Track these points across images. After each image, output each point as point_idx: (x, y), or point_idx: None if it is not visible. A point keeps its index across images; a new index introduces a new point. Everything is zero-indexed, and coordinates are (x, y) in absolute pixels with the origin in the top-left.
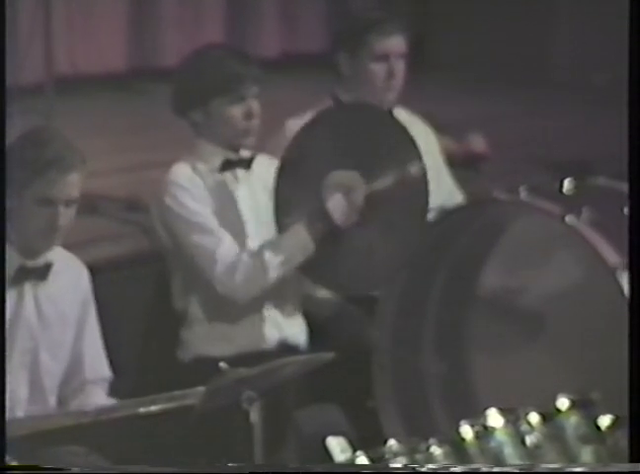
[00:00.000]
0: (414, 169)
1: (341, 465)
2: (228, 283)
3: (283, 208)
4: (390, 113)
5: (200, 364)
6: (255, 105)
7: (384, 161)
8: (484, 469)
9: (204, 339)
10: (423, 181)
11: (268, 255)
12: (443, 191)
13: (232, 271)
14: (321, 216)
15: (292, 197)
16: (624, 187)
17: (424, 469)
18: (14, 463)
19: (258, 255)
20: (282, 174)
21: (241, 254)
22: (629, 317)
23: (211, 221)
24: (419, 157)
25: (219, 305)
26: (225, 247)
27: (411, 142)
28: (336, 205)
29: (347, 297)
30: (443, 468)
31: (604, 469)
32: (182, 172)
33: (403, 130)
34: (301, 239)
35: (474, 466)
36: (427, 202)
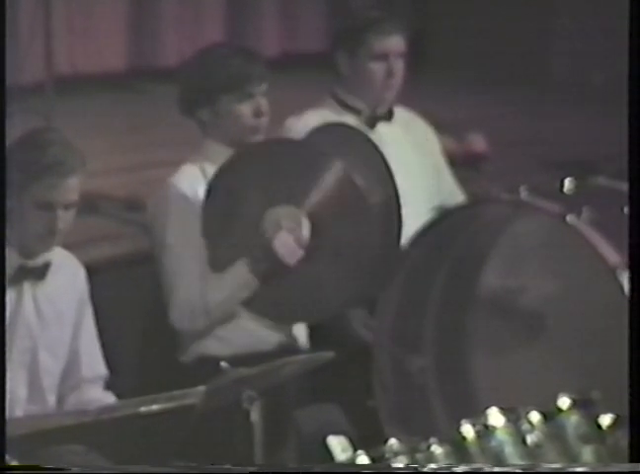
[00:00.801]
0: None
1: (341, 465)
2: (173, 314)
3: (215, 245)
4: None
5: (200, 365)
6: (264, 102)
7: (315, 186)
8: (485, 469)
9: (205, 339)
10: (390, 182)
11: (210, 290)
12: (444, 190)
13: (177, 303)
14: (265, 256)
15: (223, 233)
16: (625, 186)
17: (425, 469)
18: (14, 463)
19: (201, 289)
20: (208, 210)
21: (188, 289)
22: (629, 317)
23: (184, 242)
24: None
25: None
26: (179, 278)
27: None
28: (283, 244)
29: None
30: (444, 468)
31: (604, 469)
32: (187, 176)
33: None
34: (243, 278)
35: (475, 466)
36: (398, 226)
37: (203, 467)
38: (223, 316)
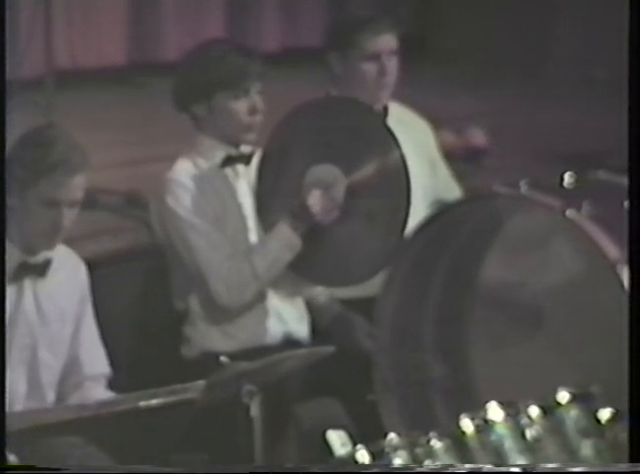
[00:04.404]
0: (393, 159)
1: (342, 464)
2: (219, 291)
3: (265, 205)
4: (368, 105)
5: (203, 360)
6: (259, 100)
7: (362, 153)
8: (485, 468)
9: (207, 335)
10: (403, 170)
11: (256, 259)
12: (440, 186)
13: (222, 278)
14: (302, 214)
15: (273, 193)
16: (625, 180)
17: (426, 469)
18: (13, 457)
19: (246, 260)
20: (263, 169)
21: (230, 260)
22: (629, 313)
23: (207, 223)
24: (397, 146)
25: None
26: (217, 252)
27: (388, 132)
28: (316, 202)
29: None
30: (444, 467)
31: (605, 469)
32: (183, 169)
33: (380, 121)
34: (287, 238)
35: (475, 465)
36: (408, 190)
37: (203, 467)
38: (272, 280)
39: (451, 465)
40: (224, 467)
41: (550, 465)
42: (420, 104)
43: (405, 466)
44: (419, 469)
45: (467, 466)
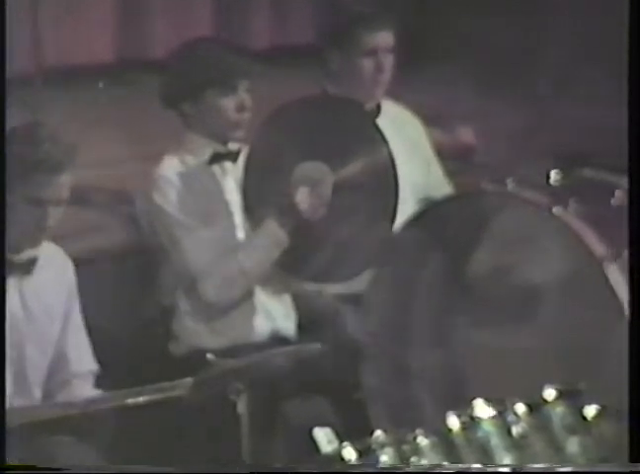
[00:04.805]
0: (381, 156)
1: (328, 461)
2: (206, 288)
3: (253, 202)
4: (358, 103)
5: (191, 358)
6: (247, 97)
7: (350, 150)
8: (475, 468)
9: (195, 332)
10: (391, 167)
11: (244, 256)
12: (432, 182)
13: (209, 275)
14: (290, 210)
15: (260, 190)
16: (611, 178)
17: (415, 469)
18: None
19: (234, 257)
20: (250, 166)
21: (217, 257)
22: (630, 314)
23: (195, 220)
24: (386, 144)
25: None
26: (204, 249)
27: (377, 130)
28: (304, 199)
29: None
30: (434, 467)
31: (605, 469)
32: (171, 166)
33: (369, 119)
34: (274, 235)
35: (466, 465)
36: (396, 188)
37: (204, 467)
38: (260, 277)
39: (440, 465)
40: (222, 467)
41: (541, 465)
42: (413, 101)
43: (394, 466)
44: (409, 469)
45: (459, 466)
